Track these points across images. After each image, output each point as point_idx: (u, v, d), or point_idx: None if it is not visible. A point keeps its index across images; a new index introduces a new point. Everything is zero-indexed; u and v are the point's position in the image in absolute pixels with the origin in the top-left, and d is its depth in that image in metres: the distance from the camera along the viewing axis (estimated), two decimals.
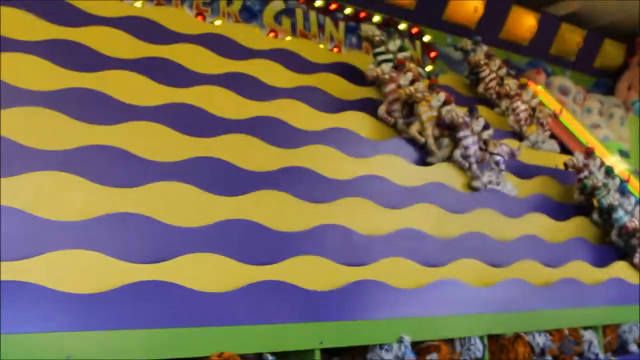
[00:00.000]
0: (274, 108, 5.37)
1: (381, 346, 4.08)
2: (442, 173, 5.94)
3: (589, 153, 6.89)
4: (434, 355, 4.35)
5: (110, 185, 3.90)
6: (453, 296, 4.60)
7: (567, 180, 6.95)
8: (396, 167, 5.66)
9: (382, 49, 6.39)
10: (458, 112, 6.02)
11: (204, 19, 6.56)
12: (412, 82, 6.11)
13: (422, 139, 5.95)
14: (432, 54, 8.45)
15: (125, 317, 3.21)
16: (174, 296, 3.41)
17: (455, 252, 5.11)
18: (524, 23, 9.22)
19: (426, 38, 8.40)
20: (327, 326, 3.87)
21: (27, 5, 4.87)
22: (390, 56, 6.33)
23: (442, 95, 6.14)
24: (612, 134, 9.00)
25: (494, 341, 4.77)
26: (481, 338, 4.60)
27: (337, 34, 7.65)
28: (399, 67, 6.26)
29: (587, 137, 7.97)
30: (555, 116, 7.89)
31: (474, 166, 5.95)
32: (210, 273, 3.74)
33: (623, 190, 6.62)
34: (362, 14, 7.87)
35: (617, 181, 6.70)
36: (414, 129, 5.94)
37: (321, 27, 7.50)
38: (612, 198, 6.47)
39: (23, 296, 2.99)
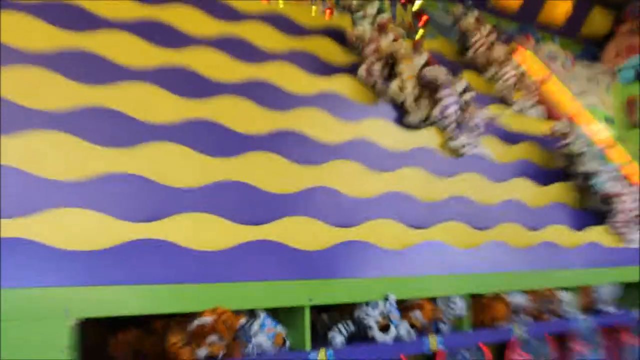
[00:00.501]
0: (266, 71, 5.38)
1: (368, 303, 4.19)
2: (430, 138, 5.97)
3: (574, 120, 6.95)
4: (418, 313, 4.45)
5: (107, 146, 3.94)
6: (437, 257, 4.69)
7: (551, 146, 7.01)
8: (385, 131, 5.70)
9: (360, 14, 6.38)
10: (441, 70, 5.97)
11: None
12: (394, 42, 6.11)
13: (402, 97, 5.90)
14: (423, 19, 8.39)
15: (122, 273, 3.28)
16: (169, 254, 3.48)
17: (441, 215, 5.20)
18: None
19: (417, 3, 8.34)
20: (316, 284, 3.96)
21: None
22: (369, 20, 6.32)
23: (425, 55, 6.09)
24: (598, 101, 9.02)
25: (475, 300, 4.89)
26: (463, 297, 4.71)
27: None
28: (381, 28, 6.24)
29: (573, 104, 8.01)
30: (542, 83, 7.92)
31: (452, 125, 5.92)
32: (204, 232, 3.81)
33: (605, 158, 6.70)
34: None
35: (600, 148, 6.77)
36: (394, 85, 5.88)
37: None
38: (595, 164, 6.55)
39: (22, 252, 3.05)
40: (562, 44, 9.82)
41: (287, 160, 4.69)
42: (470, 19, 7.77)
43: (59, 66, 4.22)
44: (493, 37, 7.86)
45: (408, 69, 5.92)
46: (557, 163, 6.89)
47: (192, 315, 3.43)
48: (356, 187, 4.91)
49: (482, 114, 6.14)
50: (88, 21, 4.80)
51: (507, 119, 6.99)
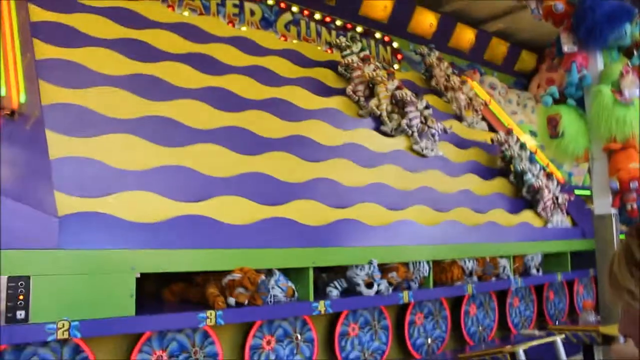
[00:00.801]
0: (283, 92, 5.30)
1: (357, 266, 4.10)
2: (403, 143, 5.87)
3: (509, 132, 6.86)
4: (394, 274, 4.35)
5: (163, 145, 3.87)
6: (409, 232, 4.59)
7: (492, 151, 6.92)
8: (370, 137, 5.60)
9: (348, 51, 6.32)
10: (407, 92, 5.98)
11: (234, 25, 6.41)
12: (374, 71, 6.11)
13: (378, 112, 5.87)
14: (399, 57, 8.32)
15: (174, 240, 3.20)
16: (208, 226, 3.41)
17: (411, 200, 5.10)
18: (465, 36, 9.13)
19: (395, 45, 8.27)
20: (318, 251, 3.87)
21: (102, 11, 4.76)
22: (354, 56, 6.27)
23: (396, 82, 6.10)
24: (525, 119, 8.95)
25: (436, 264, 4.79)
26: (427, 262, 4.61)
27: (330, 39, 7.50)
28: (365, 60, 6.22)
29: (508, 121, 7.93)
30: (485, 104, 7.84)
31: (415, 134, 5.88)
32: (235, 210, 3.73)
33: (532, 159, 6.61)
34: (349, 26, 7.72)
35: (528, 153, 6.69)
36: (372, 103, 5.87)
37: (319, 33, 7.35)
38: (524, 165, 6.47)
39: (100, 223, 2.98)
40: (500, 77, 9.78)
41: (298, 157, 4.60)
42: (433, 57, 7.68)
43: (130, 86, 4.14)
44: (450, 70, 7.77)
45: (384, 91, 5.91)
46: (497, 163, 6.79)
47: (225, 273, 3.36)
48: (349, 179, 4.82)
49: (438, 126, 6.09)
50: (152, 54, 4.72)
51: (458, 129, 6.88)
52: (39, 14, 4.30)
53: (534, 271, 5.76)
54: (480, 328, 5.15)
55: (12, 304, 2.58)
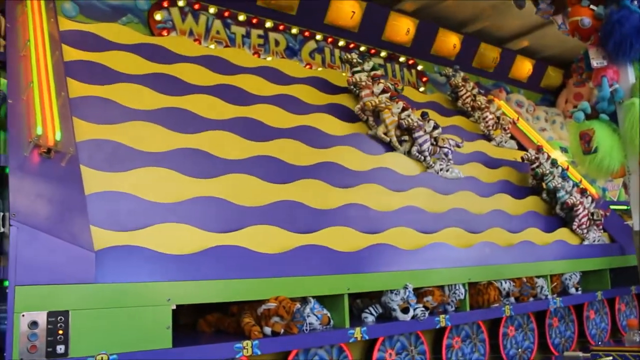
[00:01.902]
0: (310, 119, 5.31)
1: (392, 291, 4.03)
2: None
3: (539, 149, 6.74)
4: (430, 298, 4.28)
5: (195, 177, 3.88)
6: (443, 255, 4.50)
7: (523, 169, 6.80)
8: (399, 160, 5.55)
9: (358, 68, 6.15)
10: (413, 117, 5.74)
11: (259, 56, 6.50)
12: (383, 91, 5.90)
13: (387, 139, 5.69)
14: (424, 79, 8.32)
15: (208, 271, 3.19)
16: (242, 256, 3.38)
17: (444, 223, 5.01)
18: (489, 56, 9.10)
19: (419, 67, 8.28)
20: (352, 277, 3.81)
21: (132, 48, 4.86)
22: (365, 74, 6.09)
23: (401, 104, 5.84)
24: (555, 135, 8.85)
25: (472, 287, 4.69)
26: (463, 284, 4.51)
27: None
28: (374, 79, 6.03)
29: (537, 138, 7.81)
30: (513, 123, 7.75)
31: (428, 158, 5.71)
32: (268, 239, 3.71)
33: (564, 176, 6.47)
34: (373, 51, 7.77)
35: (560, 169, 6.55)
36: (380, 131, 5.69)
37: (343, 60, 7.40)
38: (556, 182, 6.33)
39: (135, 256, 2.98)
40: (526, 94, 9.71)
41: (328, 184, 4.57)
42: (458, 78, 7.63)
43: (161, 120, 4.19)
44: (475, 90, 7.72)
45: (389, 117, 5.67)
46: (528, 182, 6.66)
47: (260, 302, 3.33)
48: (380, 203, 4.76)
49: (449, 143, 5.91)
50: (181, 87, 4.78)
51: (487, 149, 6.79)
52: (72, 53, 4.41)
53: (572, 290, 5.59)
54: (519, 350, 5.00)
55: (52, 339, 2.60)
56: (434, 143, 5.80)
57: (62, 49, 4.25)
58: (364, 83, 5.90)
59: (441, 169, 5.73)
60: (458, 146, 6.07)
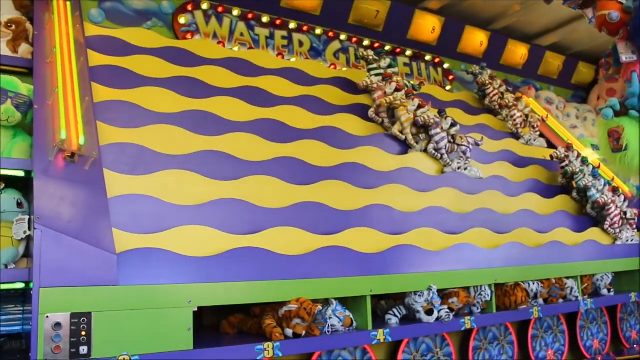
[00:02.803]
0: (334, 120, 5.29)
1: (415, 293, 3.99)
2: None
3: (569, 147, 6.59)
4: (455, 299, 4.22)
5: (218, 179, 3.91)
6: (468, 255, 4.43)
7: (552, 168, 6.66)
8: (424, 160, 5.49)
9: (374, 65, 6.00)
10: (430, 114, 5.61)
11: (283, 57, 6.51)
12: (396, 90, 5.75)
13: (403, 137, 5.55)
14: (451, 77, 8.22)
15: (230, 272, 3.20)
16: (264, 258, 3.38)
17: (470, 223, 4.94)
18: (518, 52, 8.93)
19: (446, 65, 8.19)
20: (375, 279, 3.78)
21: (156, 52, 4.92)
22: (381, 71, 5.94)
23: (417, 101, 5.71)
24: (586, 133, 8.65)
25: (499, 288, 4.61)
26: (489, 286, 4.44)
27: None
28: (385, 79, 5.86)
29: (567, 135, 7.65)
30: (542, 120, 7.60)
31: (445, 156, 5.54)
32: (289, 241, 3.70)
33: (595, 174, 6.31)
34: (398, 50, 7.71)
35: (590, 168, 6.40)
36: (395, 129, 5.55)
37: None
38: (587, 180, 6.17)
39: (157, 258, 3.02)
40: (557, 91, 9.52)
41: (351, 185, 4.55)
42: (485, 76, 7.52)
43: (184, 123, 4.23)
44: (503, 88, 7.60)
45: (405, 114, 5.54)
46: (558, 181, 6.52)
47: (281, 303, 3.33)
48: (404, 204, 4.72)
49: (468, 141, 5.74)
50: (205, 90, 4.82)
51: (515, 148, 6.67)
52: (97, 58, 4.48)
53: (604, 291, 5.46)
54: (550, 352, 4.89)
55: (75, 340, 2.64)
56: (452, 141, 5.66)
57: (87, 55, 4.32)
58: (375, 85, 5.78)
59: (459, 168, 5.57)
60: (477, 144, 5.92)
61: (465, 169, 5.61)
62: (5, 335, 3.37)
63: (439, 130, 5.56)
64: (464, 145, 5.68)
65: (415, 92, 6.10)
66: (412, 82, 6.32)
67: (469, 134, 6.31)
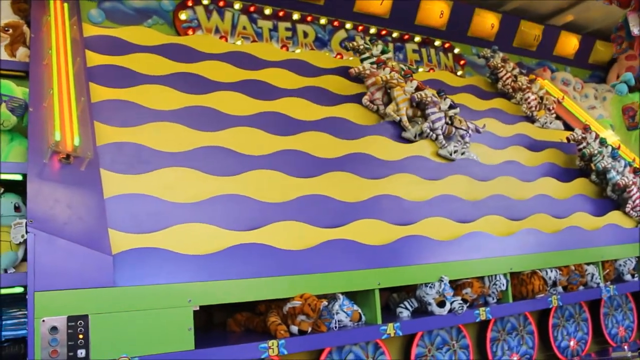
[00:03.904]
0: (339, 110, 5.22)
1: (426, 284, 3.91)
2: (471, 151, 5.56)
3: (586, 128, 6.42)
4: (468, 290, 4.13)
5: (218, 175, 3.85)
6: (481, 244, 4.33)
7: (570, 151, 6.50)
8: (434, 148, 5.36)
9: (367, 55, 5.82)
10: (427, 93, 5.38)
11: (287, 49, 6.44)
12: (389, 73, 5.53)
13: (397, 117, 5.34)
14: (462, 62, 8.07)
15: (230, 270, 3.16)
16: (266, 254, 3.33)
17: (483, 211, 4.82)
18: (531, 34, 8.71)
19: (456, 50, 8.04)
20: (383, 271, 3.71)
21: (155, 49, 4.89)
22: (374, 59, 5.76)
23: (415, 82, 5.51)
24: (605, 113, 8.42)
25: (514, 277, 4.50)
26: (504, 275, 4.34)
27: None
28: (378, 64, 5.67)
29: (585, 117, 7.46)
30: (558, 102, 7.41)
31: (440, 137, 5.31)
32: (293, 236, 3.64)
33: (614, 156, 6.14)
34: (406, 37, 7.58)
35: (610, 149, 6.22)
36: (390, 109, 5.36)
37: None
38: (606, 162, 6.01)
39: (155, 258, 2.98)
40: (573, 71, 9.30)
41: (357, 176, 4.46)
42: (497, 59, 7.35)
43: (183, 120, 4.18)
44: (516, 70, 7.43)
45: (401, 94, 5.35)
46: (576, 164, 6.35)
47: (286, 300, 3.27)
48: (413, 193, 4.62)
49: (468, 126, 5.50)
50: (205, 85, 4.77)
51: (530, 131, 6.51)
52: (96, 59, 4.46)
53: (628, 277, 5.30)
54: (572, 341, 4.77)
55: (73, 343, 2.62)
56: (450, 123, 5.44)
57: (85, 55, 4.30)
58: (368, 72, 5.59)
59: (455, 151, 5.32)
60: (478, 131, 5.66)
61: (463, 153, 5.38)
62: (10, 339, 3.38)
63: (436, 109, 5.35)
64: (462, 129, 5.46)
65: (411, 74, 5.86)
66: (407, 65, 6.13)
67: (481, 119, 6.19)
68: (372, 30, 7.25)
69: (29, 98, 3.53)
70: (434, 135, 5.32)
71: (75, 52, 4.11)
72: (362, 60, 5.84)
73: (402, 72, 5.67)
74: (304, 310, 3.15)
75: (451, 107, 5.49)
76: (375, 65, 5.68)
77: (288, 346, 3.12)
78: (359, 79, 5.76)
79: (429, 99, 5.31)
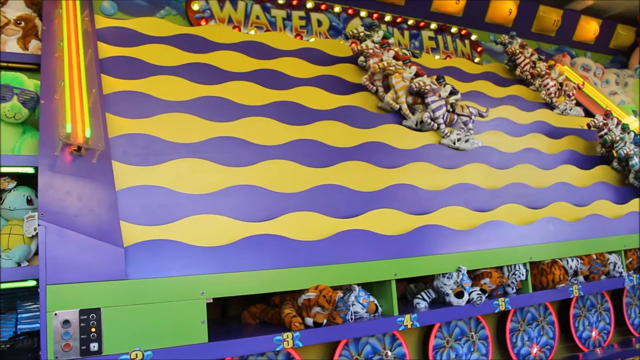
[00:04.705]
0: (354, 99, 5.12)
1: (444, 275, 3.82)
2: (490, 139, 5.44)
3: (607, 114, 6.25)
4: (487, 280, 4.03)
5: (232, 166, 3.80)
6: (500, 233, 4.22)
7: (590, 137, 6.34)
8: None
9: (368, 42, 5.60)
10: (426, 80, 5.15)
11: (302, 38, 6.35)
12: (394, 59, 5.37)
13: (397, 106, 5.15)
14: (479, 49, 7.91)
15: (244, 262, 3.10)
16: (280, 245, 3.27)
17: (501, 199, 4.71)
18: (550, 19, 8.49)
19: (473, 37, 7.88)
20: (400, 262, 3.63)
21: (168, 40, 4.83)
22: (369, 42, 5.54)
23: (414, 68, 5.27)
24: (627, 99, 8.22)
25: (534, 267, 4.39)
26: (524, 264, 4.23)
27: (404, 40, 7.27)
28: (383, 45, 5.52)
29: (606, 102, 7.27)
30: (579, 88, 7.23)
31: (442, 126, 5.09)
32: (308, 226, 3.57)
33: (637, 142, 5.96)
34: (422, 24, 7.45)
35: (632, 135, 6.05)
36: (389, 98, 5.14)
37: (391, 35, 7.15)
38: (628, 148, 5.84)
39: (167, 250, 2.94)
40: (594, 57, 9.08)
41: (373, 165, 4.38)
42: (515, 45, 7.18)
43: (196, 110, 4.13)
44: (535, 57, 7.26)
45: (399, 82, 5.13)
46: (597, 151, 6.19)
47: (301, 292, 3.21)
48: (430, 182, 4.52)
49: (470, 111, 5.28)
50: (218, 75, 4.71)
51: (549, 118, 6.36)
52: (108, 50, 4.42)
53: None
54: (594, 332, 4.66)
55: (85, 337, 2.59)
56: (451, 110, 5.22)
57: (97, 47, 4.26)
58: (371, 51, 5.40)
59: (458, 139, 5.11)
60: (482, 115, 5.44)
61: (466, 140, 5.16)
62: (26, 332, 3.37)
63: (436, 97, 5.13)
64: (465, 116, 5.25)
65: (414, 59, 5.74)
66: (411, 51, 5.96)
67: (499, 106, 6.06)
68: (387, 18, 7.14)
69: (41, 90, 3.50)
70: (435, 125, 5.11)
71: (86, 44, 4.08)
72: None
73: (408, 53, 5.55)
74: (318, 302, 3.09)
75: (452, 93, 5.25)
76: (379, 46, 5.50)
77: (303, 338, 3.06)
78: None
79: (427, 87, 5.10)
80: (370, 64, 5.31)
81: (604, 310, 4.81)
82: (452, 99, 5.25)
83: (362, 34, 5.71)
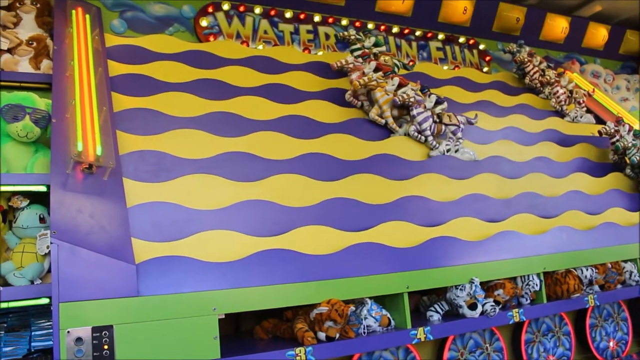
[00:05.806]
0: (361, 112, 5.13)
1: (457, 287, 3.80)
2: (498, 149, 5.41)
3: (619, 121, 6.21)
4: (500, 291, 4.00)
5: (242, 181, 3.81)
6: (512, 244, 4.20)
7: (602, 144, 6.29)
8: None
9: (357, 46, 5.49)
10: (410, 92, 4.99)
11: (309, 52, 6.38)
12: (376, 70, 5.19)
13: (382, 121, 5.02)
14: (487, 58, 7.90)
15: (255, 277, 3.11)
16: (291, 259, 3.27)
17: (513, 209, 4.68)
18: (558, 26, 8.48)
19: (481, 47, 7.88)
20: (412, 274, 3.61)
21: (177, 57, 4.88)
22: (361, 52, 5.45)
23: (397, 79, 5.13)
24: (638, 105, 8.17)
25: (548, 277, 4.35)
26: (538, 275, 4.20)
27: (411, 51, 7.28)
28: (364, 57, 5.37)
29: (617, 109, 7.22)
30: (589, 95, 7.19)
31: (430, 138, 4.95)
32: (318, 240, 3.57)
33: None
34: (430, 34, 7.46)
35: None
36: (373, 113, 5.02)
37: (398, 47, 7.17)
38: None
39: (178, 266, 2.95)
40: (604, 63, 9.03)
41: (383, 177, 4.37)
42: (523, 54, 7.17)
43: (205, 126, 4.16)
44: (544, 65, 7.24)
45: (383, 95, 5.00)
46: (609, 158, 6.14)
47: (313, 306, 3.21)
48: (441, 194, 4.51)
49: (459, 120, 5.12)
50: (227, 91, 4.74)
51: (559, 126, 6.33)
52: (118, 68, 4.47)
53: None
54: (612, 342, 4.59)
55: (98, 354, 2.59)
56: (438, 120, 5.07)
57: (107, 65, 4.32)
58: (351, 65, 5.27)
59: (448, 150, 4.98)
60: (471, 122, 5.29)
61: (456, 150, 5.02)
62: (40, 350, 3.38)
63: (421, 109, 4.98)
64: (453, 125, 5.09)
65: (405, 71, 5.65)
66: (402, 61, 5.90)
67: (508, 115, 6.04)
68: (395, 30, 7.16)
69: (52, 109, 3.55)
70: (423, 138, 4.97)
71: (97, 63, 4.13)
72: (351, 52, 5.56)
73: (383, 71, 5.29)
74: (331, 316, 3.08)
75: (437, 103, 5.11)
76: (360, 59, 5.39)
77: (316, 353, 3.05)
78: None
79: (412, 100, 4.95)
80: (352, 78, 5.13)
81: (621, 319, 4.74)
82: (438, 109, 5.11)
83: (352, 37, 5.60)
